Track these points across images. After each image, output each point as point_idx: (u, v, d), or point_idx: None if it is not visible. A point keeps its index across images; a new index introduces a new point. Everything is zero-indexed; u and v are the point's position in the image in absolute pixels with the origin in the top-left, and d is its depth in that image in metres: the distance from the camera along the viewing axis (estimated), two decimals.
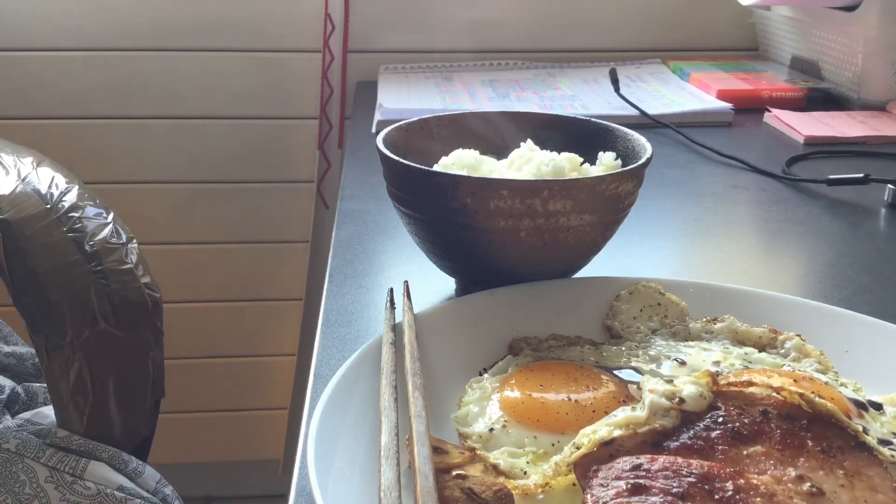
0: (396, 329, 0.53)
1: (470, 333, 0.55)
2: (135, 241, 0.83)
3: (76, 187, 0.85)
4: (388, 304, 0.57)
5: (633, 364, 0.52)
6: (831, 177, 0.89)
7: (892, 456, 0.41)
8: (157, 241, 1.51)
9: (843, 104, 1.23)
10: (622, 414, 0.42)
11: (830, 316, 0.56)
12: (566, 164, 0.62)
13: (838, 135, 1.08)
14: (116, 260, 0.79)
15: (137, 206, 1.50)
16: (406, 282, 0.60)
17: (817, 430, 0.41)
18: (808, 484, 0.38)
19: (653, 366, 0.52)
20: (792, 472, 0.39)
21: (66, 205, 0.81)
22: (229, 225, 1.55)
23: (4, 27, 1.40)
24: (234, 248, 1.56)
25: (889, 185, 0.87)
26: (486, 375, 0.52)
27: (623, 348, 0.54)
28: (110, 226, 0.81)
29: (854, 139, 1.08)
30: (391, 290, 0.58)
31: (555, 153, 0.64)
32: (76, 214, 0.80)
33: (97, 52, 1.43)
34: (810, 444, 0.40)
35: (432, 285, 0.66)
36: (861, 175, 0.88)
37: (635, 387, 0.48)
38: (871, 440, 0.41)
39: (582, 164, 0.64)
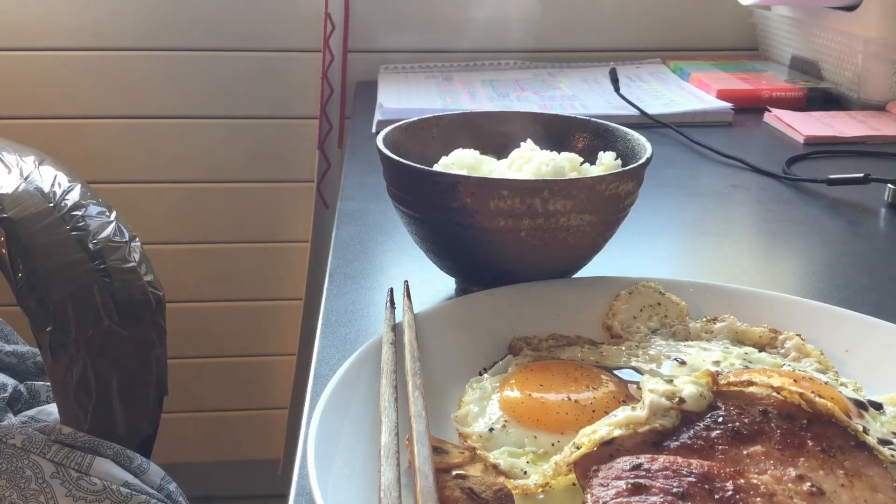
0: (396, 329, 0.53)
1: (470, 333, 0.55)
2: (137, 239, 0.83)
3: (78, 186, 0.85)
4: (388, 303, 0.57)
5: (633, 364, 0.52)
6: (831, 177, 0.89)
7: (892, 456, 0.41)
8: (157, 240, 1.51)
9: (843, 104, 1.23)
10: (622, 414, 0.42)
11: (830, 316, 0.56)
12: (566, 164, 0.62)
13: (838, 135, 1.08)
14: (119, 258, 0.79)
15: (137, 206, 1.50)
16: (406, 282, 0.60)
17: (817, 429, 0.41)
18: (809, 484, 0.38)
19: (653, 365, 0.52)
20: (792, 472, 0.39)
21: (69, 203, 0.81)
22: (229, 225, 1.55)
23: (5, 27, 1.40)
24: (234, 248, 1.56)
25: (889, 185, 0.87)
26: (486, 375, 0.52)
27: (623, 348, 0.54)
28: (113, 224, 0.82)
29: (854, 139, 1.08)
30: (391, 290, 0.58)
31: (555, 153, 0.64)
32: (79, 213, 0.81)
33: (97, 51, 1.43)
34: (810, 443, 0.41)
35: (432, 285, 0.66)
36: (861, 175, 0.88)
37: (635, 386, 0.48)
38: (871, 440, 0.41)
39: (582, 164, 0.64)
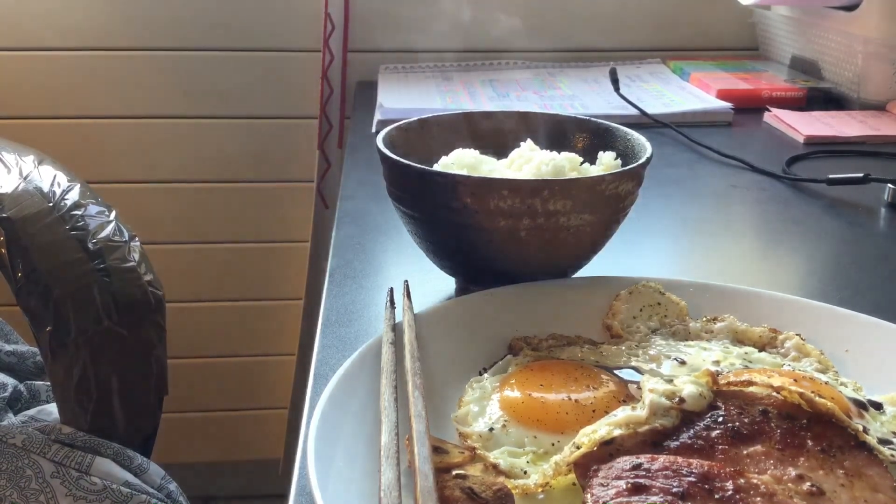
0: (396, 329, 0.53)
1: (470, 333, 0.55)
2: (137, 239, 0.83)
3: (78, 185, 0.85)
4: (388, 303, 0.57)
5: (633, 364, 0.52)
6: (831, 176, 0.89)
7: (892, 455, 0.41)
8: (157, 240, 1.51)
9: (843, 104, 1.23)
10: (622, 413, 0.42)
11: (830, 316, 0.56)
12: (566, 164, 0.62)
13: (838, 134, 1.08)
14: (119, 258, 0.79)
15: (137, 206, 1.50)
16: (406, 282, 0.60)
17: (817, 429, 0.41)
18: (808, 483, 0.38)
19: (653, 365, 0.52)
20: (792, 472, 0.39)
21: (69, 203, 0.81)
22: (229, 225, 1.55)
23: (5, 27, 1.40)
24: (234, 248, 1.56)
25: (889, 185, 0.87)
26: (486, 375, 0.52)
27: (623, 348, 0.54)
28: (112, 224, 0.82)
29: (854, 139, 1.08)
30: (391, 289, 0.58)
31: (555, 153, 0.64)
32: (78, 213, 0.81)
33: (97, 51, 1.43)
34: (810, 443, 0.41)
35: (432, 285, 0.66)
36: (861, 175, 0.88)
37: (635, 386, 0.48)
38: (871, 440, 0.41)
39: (582, 163, 0.64)
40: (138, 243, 0.83)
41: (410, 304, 0.56)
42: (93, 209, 0.83)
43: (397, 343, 0.52)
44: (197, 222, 1.54)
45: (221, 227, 1.55)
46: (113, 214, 0.84)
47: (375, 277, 0.70)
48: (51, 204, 0.81)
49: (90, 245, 0.79)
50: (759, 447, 0.40)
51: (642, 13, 1.47)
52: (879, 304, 0.65)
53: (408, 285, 0.59)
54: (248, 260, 1.57)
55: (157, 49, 1.44)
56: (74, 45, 1.42)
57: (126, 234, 0.82)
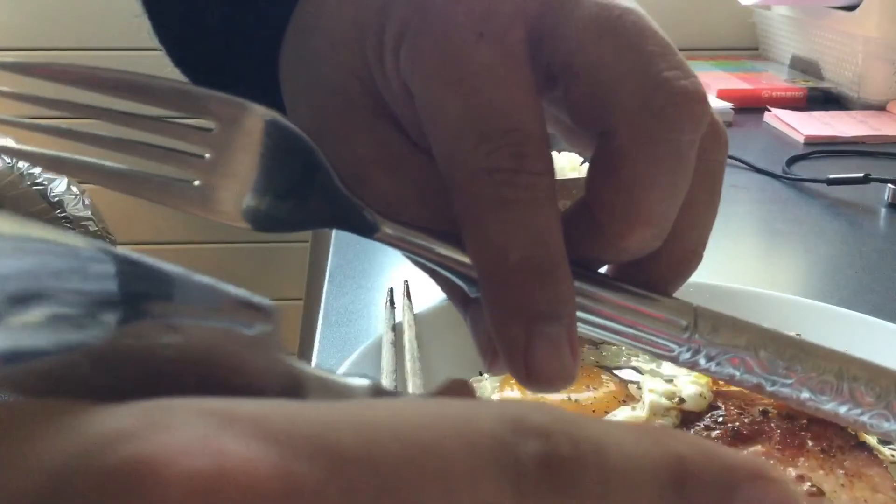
0: (396, 329, 0.53)
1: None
2: (87, 193, 0.95)
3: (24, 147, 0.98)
4: (388, 303, 0.57)
5: (633, 364, 0.52)
6: (831, 176, 0.89)
7: (893, 455, 0.41)
8: (155, 240, 1.51)
9: (843, 104, 1.23)
10: (622, 414, 0.42)
11: (830, 316, 0.56)
12: (566, 164, 0.62)
13: (838, 134, 1.08)
14: (77, 208, 0.93)
15: (137, 206, 1.50)
16: (406, 281, 0.60)
17: (817, 429, 0.41)
18: (808, 484, 0.38)
19: (653, 365, 0.52)
20: (792, 472, 0.39)
21: (25, 163, 0.94)
22: (228, 224, 1.54)
23: (6, 26, 1.40)
24: (234, 248, 1.57)
25: (889, 185, 0.87)
26: (485, 376, 0.51)
27: (623, 348, 0.54)
28: (65, 180, 0.95)
29: (854, 139, 1.08)
30: (391, 289, 0.58)
31: (554, 153, 0.64)
32: (35, 171, 0.94)
33: (97, 51, 1.43)
34: (810, 443, 0.40)
35: (432, 285, 0.66)
36: (861, 175, 0.88)
37: (635, 386, 0.48)
38: (871, 440, 0.41)
39: (582, 163, 0.64)
40: (89, 198, 0.94)
41: (410, 304, 0.56)
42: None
43: (397, 343, 0.52)
44: (196, 222, 1.54)
45: (220, 226, 1.54)
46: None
47: (375, 277, 0.70)
48: (10, 164, 0.91)
49: (51, 197, 0.90)
50: (759, 447, 0.40)
51: None
52: (879, 304, 0.65)
53: (408, 285, 0.59)
54: (247, 260, 1.57)
55: (158, 49, 1.43)
56: (74, 44, 1.42)
57: (77, 189, 0.92)
